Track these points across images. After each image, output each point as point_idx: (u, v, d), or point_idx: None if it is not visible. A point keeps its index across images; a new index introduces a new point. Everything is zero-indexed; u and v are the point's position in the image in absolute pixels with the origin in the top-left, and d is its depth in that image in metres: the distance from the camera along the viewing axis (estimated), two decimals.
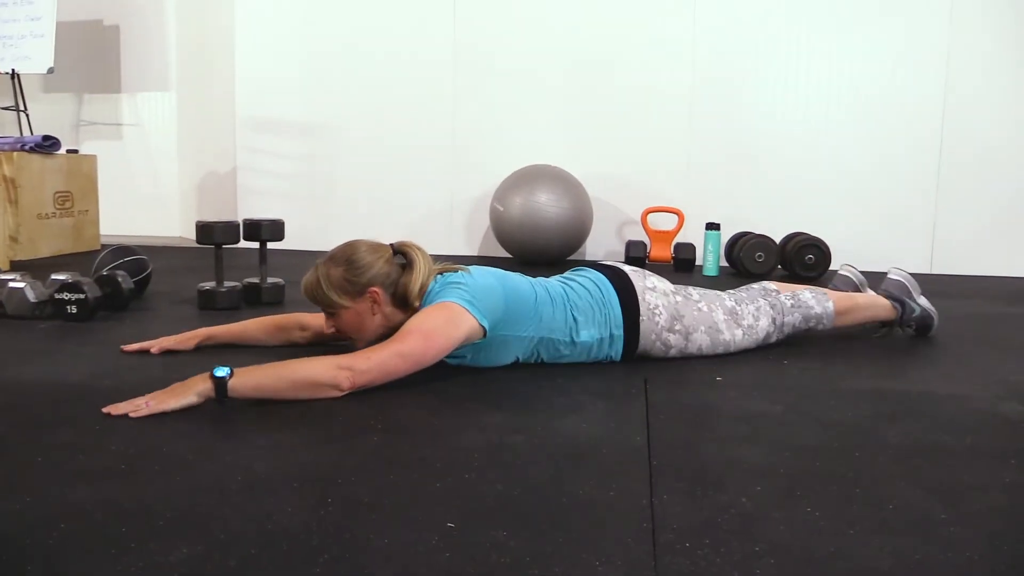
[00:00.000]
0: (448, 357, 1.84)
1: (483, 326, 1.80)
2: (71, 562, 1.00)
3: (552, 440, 1.49)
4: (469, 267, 1.93)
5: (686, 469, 1.35)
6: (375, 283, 1.85)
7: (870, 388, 1.90)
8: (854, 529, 1.12)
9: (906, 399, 1.81)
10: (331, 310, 1.88)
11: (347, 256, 1.87)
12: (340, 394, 1.67)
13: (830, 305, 2.26)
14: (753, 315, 2.17)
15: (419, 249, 1.92)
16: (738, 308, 2.16)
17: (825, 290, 2.32)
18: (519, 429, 1.54)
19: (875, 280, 2.58)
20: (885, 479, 1.32)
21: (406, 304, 1.87)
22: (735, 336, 2.13)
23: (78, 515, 1.12)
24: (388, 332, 1.85)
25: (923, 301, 2.47)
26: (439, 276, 1.89)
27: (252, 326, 2.17)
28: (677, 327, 2.05)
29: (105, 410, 1.57)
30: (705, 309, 2.11)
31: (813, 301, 2.25)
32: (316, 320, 2.08)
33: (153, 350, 2.08)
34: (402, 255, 1.92)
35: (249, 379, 1.62)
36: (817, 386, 1.92)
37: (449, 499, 1.20)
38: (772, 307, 2.20)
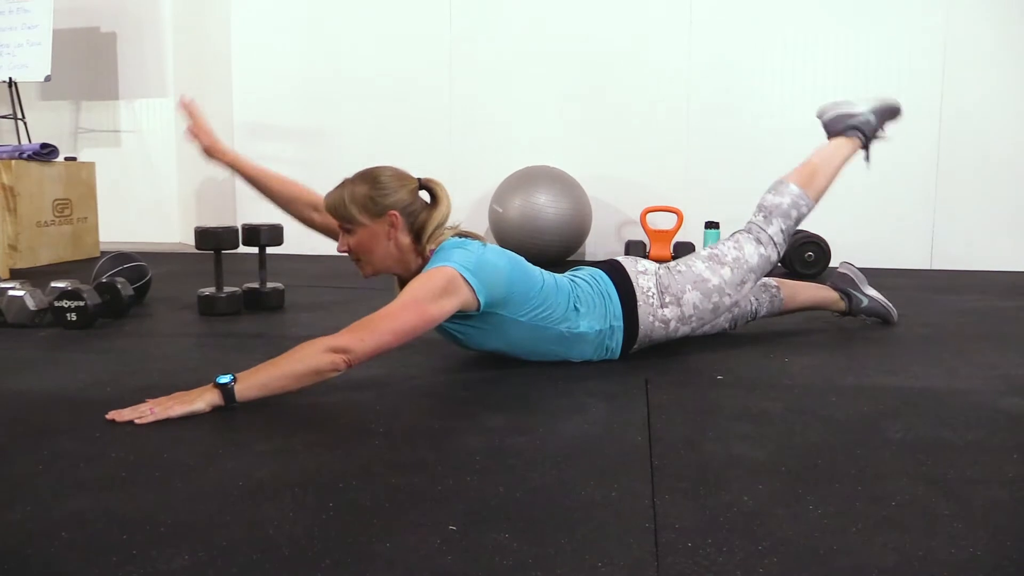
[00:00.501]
0: (438, 330, 1.85)
1: (478, 300, 1.80)
2: (72, 571, 0.99)
3: (553, 441, 1.49)
4: (488, 244, 1.93)
5: (688, 468, 1.35)
6: (396, 207, 1.86)
7: (871, 384, 1.90)
8: (857, 526, 1.12)
9: (907, 395, 1.81)
10: (349, 226, 1.88)
11: (374, 176, 1.89)
12: (341, 373, 1.69)
13: (793, 187, 2.21)
14: (734, 247, 2.14)
15: (444, 188, 1.94)
16: (716, 251, 2.14)
17: (779, 179, 2.26)
18: (520, 431, 1.53)
19: (873, 277, 2.58)
20: (888, 475, 1.31)
21: (419, 240, 1.89)
22: (723, 277, 2.09)
23: (79, 524, 1.12)
24: (396, 263, 1.90)
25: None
26: (455, 237, 1.90)
27: (275, 179, 2.15)
28: (668, 299, 2.05)
29: (109, 416, 1.58)
30: (684, 268, 2.10)
31: (777, 198, 2.21)
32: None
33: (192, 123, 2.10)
34: (428, 190, 1.94)
35: (253, 381, 1.63)
36: (818, 383, 1.91)
37: (451, 502, 1.20)
38: (748, 231, 2.18)
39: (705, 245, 4.10)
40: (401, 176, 1.92)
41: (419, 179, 1.94)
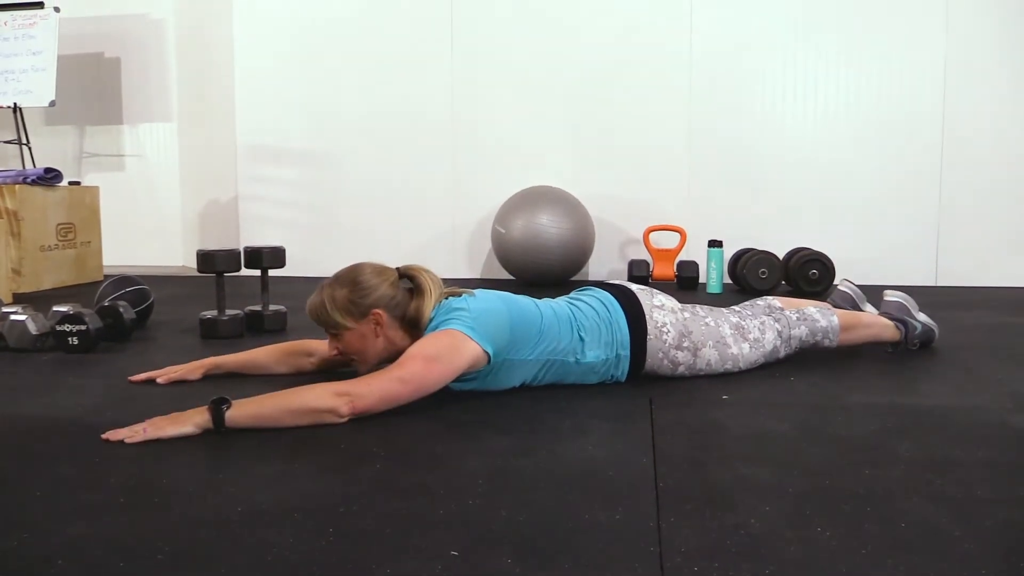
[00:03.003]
0: (453, 383, 1.82)
1: (487, 352, 1.79)
2: None
3: (557, 464, 1.47)
4: (474, 291, 1.92)
5: (693, 490, 1.33)
6: (379, 305, 1.84)
7: (878, 403, 1.88)
8: (867, 548, 1.10)
9: (915, 413, 1.79)
10: (334, 331, 1.87)
11: (352, 278, 1.86)
12: (341, 420, 1.66)
13: (835, 319, 2.24)
14: (759, 329, 2.15)
15: (427, 272, 1.92)
16: (743, 323, 2.15)
17: (828, 305, 2.31)
18: (524, 453, 1.52)
19: (875, 295, 2.57)
20: (897, 496, 1.29)
21: (416, 327, 1.86)
22: (742, 350, 2.11)
23: (77, 551, 1.10)
24: (391, 356, 1.84)
25: (923, 317, 2.50)
26: (442, 302, 1.88)
27: (259, 354, 2.16)
28: (686, 344, 2.03)
29: (104, 436, 1.58)
30: (712, 324, 2.09)
31: (818, 315, 2.24)
32: (323, 346, 2.07)
33: (160, 380, 2.07)
34: (408, 279, 1.92)
35: (247, 409, 1.62)
36: (825, 402, 1.90)
37: (453, 526, 1.18)
38: (777, 321, 2.19)
39: (709, 263, 4.09)
40: (380, 271, 1.89)
41: (398, 269, 1.92)
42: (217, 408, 1.59)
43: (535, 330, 1.89)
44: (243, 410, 1.61)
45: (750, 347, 2.12)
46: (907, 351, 2.41)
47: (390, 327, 1.86)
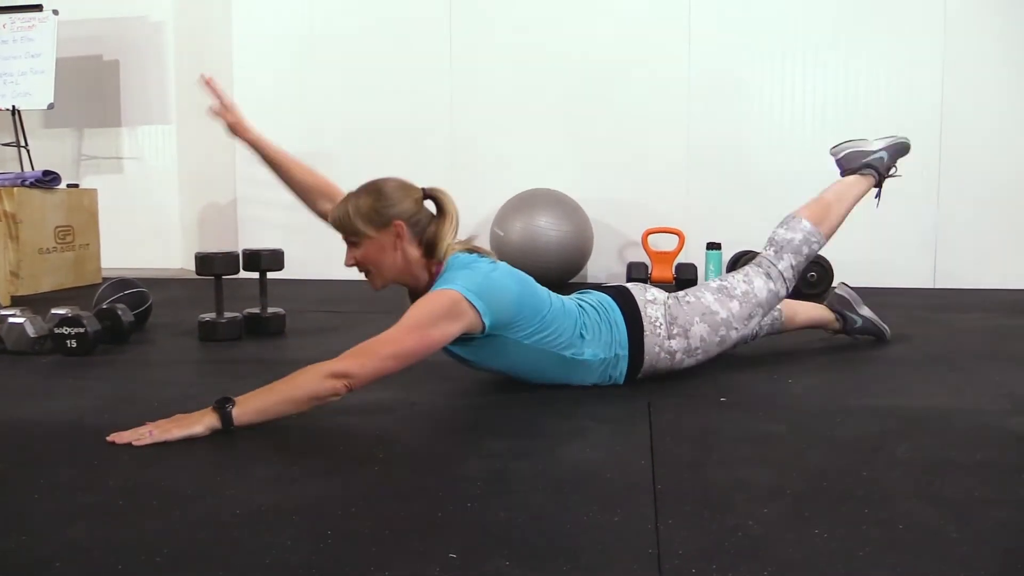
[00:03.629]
0: (443, 350, 1.83)
1: (483, 322, 1.78)
2: None
3: (555, 466, 1.47)
4: (499, 262, 1.92)
5: (692, 492, 1.33)
6: (401, 217, 1.85)
7: (876, 405, 1.88)
8: (864, 549, 1.10)
9: (913, 415, 1.79)
10: (355, 239, 1.88)
11: (378, 188, 1.89)
12: (341, 396, 1.67)
13: (805, 223, 2.23)
14: (744, 281, 2.14)
15: (450, 197, 1.93)
16: (725, 283, 2.14)
17: (791, 214, 2.28)
18: (522, 455, 1.52)
19: (874, 297, 2.57)
20: (895, 497, 1.30)
21: (432, 253, 1.88)
22: (731, 310, 2.08)
23: (76, 553, 1.10)
24: (404, 274, 1.89)
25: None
26: (463, 253, 1.89)
27: (295, 166, 2.19)
28: (675, 330, 2.04)
29: (109, 439, 1.58)
30: (693, 300, 2.08)
31: (789, 233, 2.22)
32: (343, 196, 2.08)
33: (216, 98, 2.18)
34: (433, 200, 1.93)
35: (251, 406, 1.63)
36: (822, 404, 1.90)
37: (451, 528, 1.18)
38: (758, 265, 2.18)
39: (707, 265, 4.10)
40: (405, 186, 1.91)
41: (423, 189, 1.93)
42: (222, 408, 1.60)
43: (539, 316, 1.89)
44: (248, 407, 1.62)
45: (739, 304, 2.10)
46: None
47: (409, 243, 1.87)
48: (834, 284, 3.57)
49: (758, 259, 2.21)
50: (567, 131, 4.67)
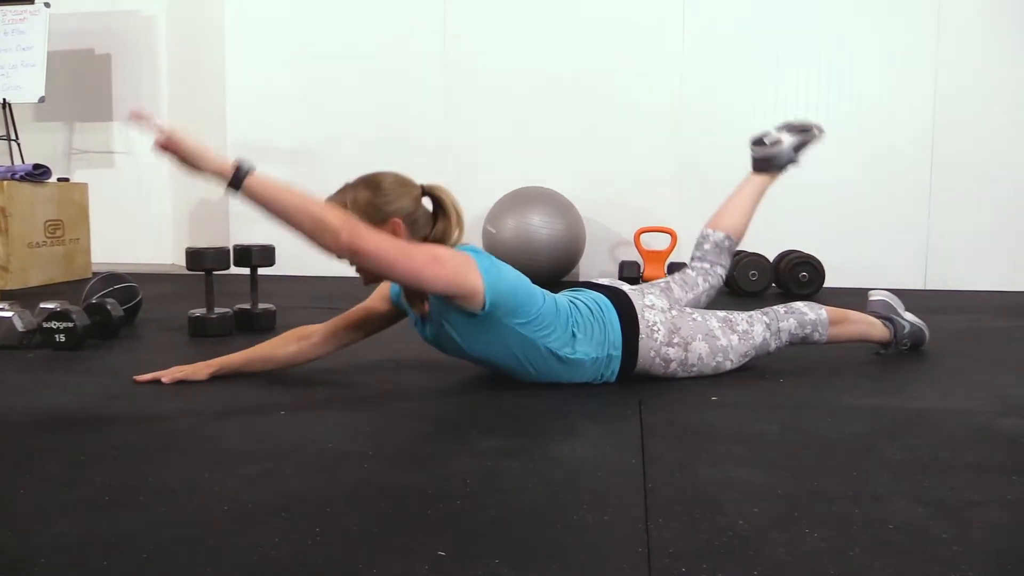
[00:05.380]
0: (435, 331, 1.82)
1: (485, 297, 1.78)
2: None
3: (546, 464, 1.46)
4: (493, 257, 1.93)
5: (682, 492, 1.33)
6: (399, 215, 1.83)
7: (867, 405, 1.88)
8: (855, 549, 1.10)
9: (904, 416, 1.79)
10: None
11: (376, 182, 1.86)
12: (332, 245, 1.63)
13: (823, 312, 2.24)
14: (747, 321, 2.15)
15: (449, 194, 1.91)
16: (730, 316, 2.15)
17: (818, 303, 2.31)
18: (512, 454, 1.51)
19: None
20: (885, 498, 1.29)
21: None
22: (731, 341, 2.10)
23: (60, 549, 1.09)
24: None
25: (910, 316, 2.48)
26: (461, 247, 1.89)
27: (262, 347, 2.12)
28: (675, 340, 2.03)
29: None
30: (699, 319, 2.10)
31: (806, 308, 2.24)
32: (318, 327, 2.08)
33: (164, 379, 2.01)
34: (432, 197, 1.91)
35: (266, 185, 1.60)
36: (814, 404, 1.90)
37: (440, 527, 1.17)
38: (764, 314, 2.20)
39: None
40: (404, 182, 1.89)
41: (422, 185, 1.91)
42: (240, 168, 1.58)
43: (535, 309, 1.89)
44: (263, 183, 1.59)
45: (739, 339, 2.12)
46: (897, 352, 2.41)
47: (406, 240, 1.83)
48: (828, 284, 3.56)
49: (766, 309, 2.22)
50: (560, 129, 4.67)
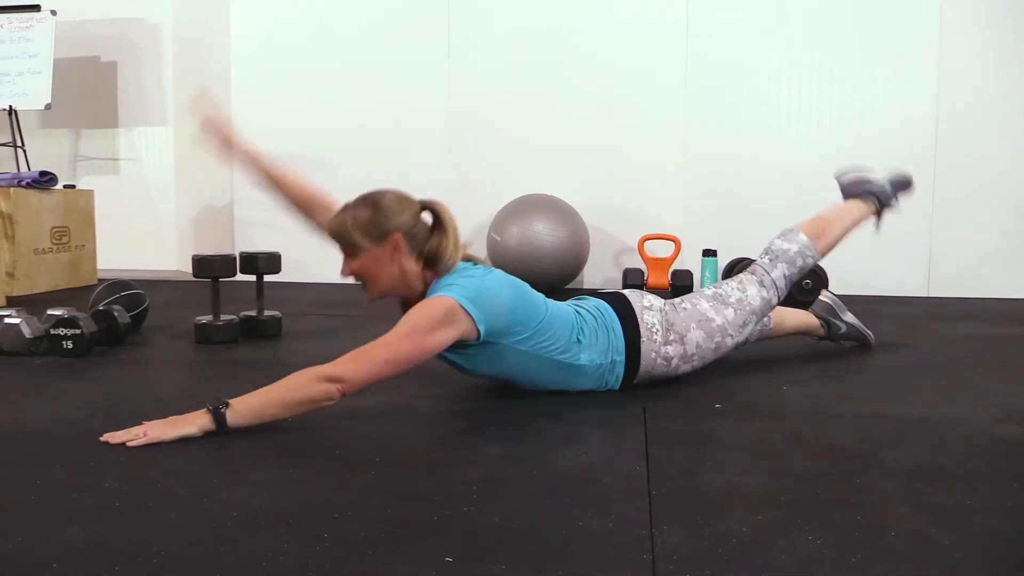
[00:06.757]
0: (438, 357, 1.84)
1: (478, 330, 1.79)
2: None
3: (551, 471, 1.48)
4: (493, 268, 1.93)
5: (686, 498, 1.34)
6: (399, 230, 1.85)
7: (869, 412, 1.89)
8: (856, 556, 1.11)
9: (906, 423, 1.80)
10: (352, 251, 1.88)
11: (375, 200, 1.88)
12: (335, 402, 1.68)
13: (802, 236, 2.26)
14: (738, 288, 2.17)
15: (447, 210, 1.93)
16: (720, 291, 2.16)
17: (790, 227, 2.31)
18: (517, 460, 1.52)
19: (868, 305, 2.58)
20: (887, 505, 1.30)
21: (433, 266, 1.88)
22: (727, 317, 2.11)
23: (71, 555, 1.11)
24: (400, 286, 1.89)
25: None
26: (459, 264, 1.90)
27: (291, 179, 2.17)
28: (672, 336, 2.05)
29: (103, 439, 1.59)
30: (689, 307, 2.11)
31: (785, 244, 2.25)
32: (337, 205, 2.06)
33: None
34: (431, 212, 1.93)
35: (245, 408, 1.64)
36: (816, 411, 1.91)
37: (447, 533, 1.19)
38: (752, 273, 2.22)
39: (703, 272, 4.11)
40: (403, 199, 1.91)
41: (421, 201, 1.93)
42: (216, 410, 1.61)
43: (535, 322, 1.90)
44: (242, 409, 1.63)
45: (734, 311, 2.13)
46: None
47: (406, 256, 1.87)
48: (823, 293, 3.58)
49: (752, 267, 2.23)
50: (564, 136, 4.68)
